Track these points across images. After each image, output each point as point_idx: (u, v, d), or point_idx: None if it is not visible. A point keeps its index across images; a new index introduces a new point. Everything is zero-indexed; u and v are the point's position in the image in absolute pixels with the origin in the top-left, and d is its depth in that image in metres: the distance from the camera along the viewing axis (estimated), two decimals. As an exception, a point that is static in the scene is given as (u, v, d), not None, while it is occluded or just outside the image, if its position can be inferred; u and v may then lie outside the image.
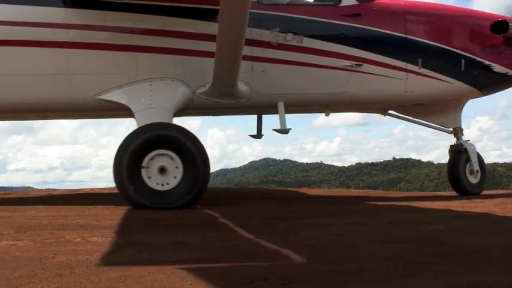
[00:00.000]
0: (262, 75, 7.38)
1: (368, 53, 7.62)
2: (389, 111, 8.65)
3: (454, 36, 7.99)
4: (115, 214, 6.00)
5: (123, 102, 7.22)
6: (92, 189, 10.30)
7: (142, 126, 6.68)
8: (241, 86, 7.24)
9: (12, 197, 8.90)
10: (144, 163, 6.45)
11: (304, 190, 11.73)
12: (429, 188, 55.05)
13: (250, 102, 7.53)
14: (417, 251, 3.69)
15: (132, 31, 7.21)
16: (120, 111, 7.55)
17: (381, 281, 2.86)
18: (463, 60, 7.87)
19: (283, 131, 7.20)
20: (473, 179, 8.54)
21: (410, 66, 7.73)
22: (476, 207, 6.69)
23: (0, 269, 3.19)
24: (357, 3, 7.71)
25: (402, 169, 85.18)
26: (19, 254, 3.67)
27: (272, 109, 7.56)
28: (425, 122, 8.68)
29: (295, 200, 9.01)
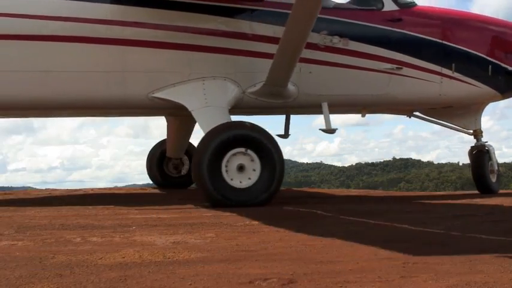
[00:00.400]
0: (309, 76, 7.62)
1: (408, 56, 7.95)
2: (415, 113, 8.99)
3: (483, 42, 8.37)
4: (115, 214, 5.99)
5: (177, 100, 7.30)
6: (92, 189, 10.29)
7: (220, 126, 6.71)
8: (290, 87, 7.46)
9: (12, 197, 8.89)
10: (224, 162, 6.52)
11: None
12: (429, 188, 55.01)
13: (296, 103, 7.76)
14: (417, 251, 3.69)
15: (186, 30, 7.30)
16: (173, 109, 7.67)
17: (381, 281, 2.86)
18: (490, 66, 8.29)
19: (329, 130, 7.44)
20: (493, 178, 8.94)
21: (444, 70, 8.10)
22: (476, 207, 6.69)
23: (0, 269, 3.19)
24: (398, 8, 8.01)
25: (402, 169, 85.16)
26: (19, 254, 3.67)
27: (316, 109, 7.82)
28: (448, 124, 9.05)
29: (295, 200, 9.00)
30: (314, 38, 7.48)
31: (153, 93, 7.30)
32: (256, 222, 5.30)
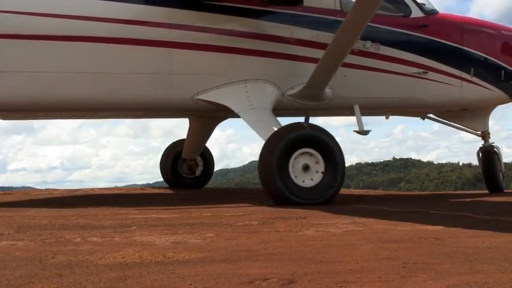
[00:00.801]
0: (343, 79, 7.92)
1: (433, 61, 8.44)
2: (429, 115, 9.52)
3: (496, 48, 8.93)
4: (115, 214, 6.00)
5: (221, 102, 7.54)
6: (92, 189, 10.30)
7: (285, 128, 6.97)
8: (326, 90, 7.83)
9: (12, 197, 8.89)
10: (291, 161, 6.74)
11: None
12: (429, 188, 54.98)
13: (331, 105, 8.11)
14: (417, 251, 3.69)
15: (231, 33, 7.58)
16: (216, 111, 7.98)
17: (381, 281, 2.86)
18: (503, 71, 8.88)
19: (362, 132, 7.72)
20: (500, 177, 9.50)
21: (464, 75, 8.63)
22: (476, 207, 6.70)
23: (0, 269, 3.19)
24: (423, 15, 8.50)
25: (402, 169, 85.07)
26: (19, 254, 3.67)
27: (346, 111, 8.32)
28: (459, 126, 9.58)
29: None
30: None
31: (197, 95, 7.52)
32: (256, 222, 5.30)
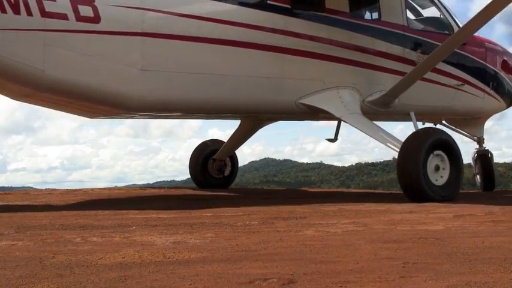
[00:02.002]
0: None
1: (467, 75, 9.69)
2: (443, 122, 10.48)
3: (504, 65, 10.40)
4: (115, 214, 6.00)
5: (321, 107, 8.16)
6: (92, 189, 10.30)
7: (424, 131, 7.89)
8: None
9: (12, 197, 8.89)
10: (428, 162, 7.45)
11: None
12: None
13: (394, 111, 8.89)
14: (417, 251, 3.69)
15: (330, 42, 8.25)
16: (312, 114, 8.55)
17: (381, 281, 2.86)
18: (506, 84, 10.42)
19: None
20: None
21: (486, 88, 9.98)
22: (476, 207, 6.69)
23: (0, 269, 3.19)
24: None
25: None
26: (19, 254, 3.67)
27: (404, 117, 9.13)
28: (459, 131, 10.65)
29: (295, 199, 9.00)
30: (413, 55, 8.94)
31: (300, 100, 8.06)
32: (256, 222, 5.30)
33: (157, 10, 7.05)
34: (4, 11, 6.02)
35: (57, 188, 10.83)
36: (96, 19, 6.62)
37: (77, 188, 10.72)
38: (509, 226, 5.01)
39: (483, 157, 10.71)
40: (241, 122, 10.03)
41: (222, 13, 7.47)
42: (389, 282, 2.83)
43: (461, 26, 9.22)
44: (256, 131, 10.30)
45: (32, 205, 7.17)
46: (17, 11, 6.13)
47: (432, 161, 7.49)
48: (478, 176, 10.86)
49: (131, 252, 3.66)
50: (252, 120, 9.82)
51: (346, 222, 5.26)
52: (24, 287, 2.80)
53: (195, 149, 10.73)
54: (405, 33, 8.92)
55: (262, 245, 3.97)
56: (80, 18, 6.52)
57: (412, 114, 8.52)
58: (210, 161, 10.50)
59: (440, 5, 9.66)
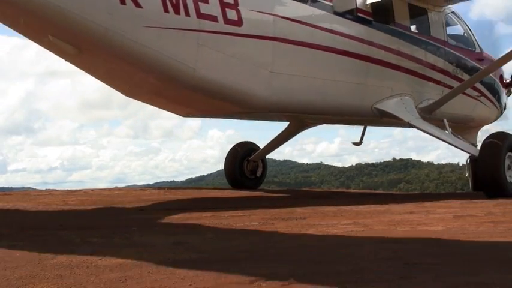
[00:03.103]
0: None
1: (484, 88, 10.98)
2: None
3: (501, 78, 11.84)
4: (115, 214, 6.00)
5: (391, 112, 8.93)
6: (92, 190, 10.29)
7: (501, 135, 8.87)
8: None
9: (12, 197, 8.88)
10: (506, 161, 8.50)
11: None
12: (429, 189, 54.95)
13: (433, 118, 9.56)
14: (417, 252, 3.69)
15: (398, 53, 9.11)
16: (378, 118, 9.13)
17: (381, 281, 2.86)
18: (502, 95, 11.91)
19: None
20: None
21: (493, 99, 11.43)
22: (476, 208, 6.69)
23: (1, 269, 3.19)
24: (480, 51, 11.19)
25: (402, 170, 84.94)
26: (19, 255, 3.67)
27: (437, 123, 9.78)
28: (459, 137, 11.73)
29: (295, 200, 9.00)
30: (449, 68, 10.12)
31: (375, 105, 8.81)
32: (256, 223, 5.30)
33: (286, 17, 7.60)
34: (167, 11, 6.36)
35: (57, 189, 10.82)
36: (239, 22, 7.05)
37: (77, 188, 10.72)
38: (509, 227, 5.01)
39: (475, 162, 11.25)
40: (289, 125, 10.35)
41: (330, 24, 8.16)
42: (390, 283, 2.82)
43: (478, 44, 11.09)
44: (297, 134, 10.79)
45: (32, 206, 7.16)
46: (177, 11, 6.45)
47: (506, 161, 8.54)
48: (469, 178, 11.55)
49: (131, 253, 3.66)
50: (299, 123, 10.26)
51: (346, 223, 5.26)
52: (24, 288, 2.80)
53: (231, 150, 11.06)
54: (446, 48, 10.11)
55: (262, 246, 3.98)
56: (227, 21, 6.92)
57: (445, 121, 9.44)
58: (244, 162, 10.83)
59: (465, 25, 11.08)
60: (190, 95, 7.14)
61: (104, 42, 6.12)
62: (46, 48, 6.66)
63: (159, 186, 11.41)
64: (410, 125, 9.16)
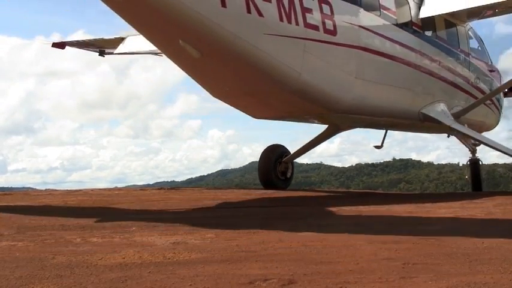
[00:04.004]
0: None
1: (494, 97, 12.42)
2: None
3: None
4: (115, 215, 5.99)
5: (434, 116, 9.70)
6: (92, 190, 10.29)
7: None
8: None
9: (12, 197, 8.88)
10: None
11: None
12: (429, 189, 54.97)
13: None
14: (417, 252, 3.69)
15: (439, 63, 10.10)
16: (422, 123, 9.86)
17: (381, 282, 2.86)
18: (501, 101, 13.43)
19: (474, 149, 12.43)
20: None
21: (499, 107, 12.99)
22: (476, 208, 6.69)
23: (1, 269, 3.19)
24: (491, 63, 12.72)
25: (402, 170, 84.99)
26: (19, 255, 3.67)
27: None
28: (464, 143, 13.04)
29: (295, 200, 9.00)
30: (472, 78, 11.26)
31: (421, 110, 9.61)
32: (257, 223, 5.29)
33: (366, 28, 8.34)
34: (282, 20, 7.00)
35: (57, 189, 10.82)
36: (334, 32, 7.75)
37: (77, 188, 10.73)
38: (509, 227, 5.01)
39: (474, 164, 13.42)
40: (327, 128, 10.81)
41: (395, 34, 8.96)
42: (390, 283, 2.83)
43: (489, 56, 12.66)
44: (330, 138, 11.32)
45: (32, 206, 7.16)
46: (289, 21, 7.09)
47: None
48: (469, 179, 13.51)
49: (131, 253, 3.66)
50: (335, 126, 10.70)
51: (347, 223, 5.25)
52: (24, 288, 2.80)
53: (265, 152, 11.39)
54: (469, 59, 11.27)
55: (262, 246, 3.97)
56: (326, 30, 7.62)
57: (466, 126, 10.44)
58: (277, 164, 11.22)
59: (479, 39, 12.26)
60: (289, 97, 7.69)
61: (230, 47, 6.66)
62: (168, 54, 7.26)
63: (159, 186, 11.39)
64: (451, 129, 10.11)
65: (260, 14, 6.68)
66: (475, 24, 12.07)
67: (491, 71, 12.39)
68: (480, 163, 13.38)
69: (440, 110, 9.89)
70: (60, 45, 12.75)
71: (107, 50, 13.06)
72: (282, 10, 6.92)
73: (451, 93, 10.46)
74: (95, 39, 12.85)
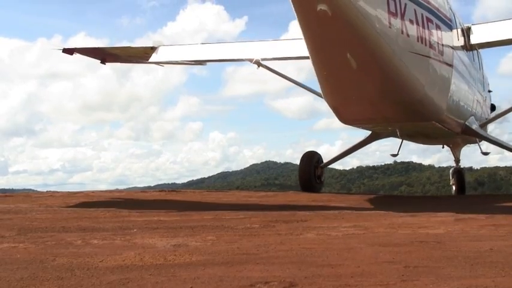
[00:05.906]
0: None
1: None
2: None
3: None
4: (116, 217, 6.00)
5: (473, 128, 10.89)
6: (93, 192, 10.30)
7: None
8: None
9: (13, 199, 8.89)
10: None
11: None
12: (430, 192, 54.90)
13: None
14: (418, 255, 3.69)
15: (473, 79, 11.55)
16: (460, 135, 11.06)
17: (382, 285, 2.85)
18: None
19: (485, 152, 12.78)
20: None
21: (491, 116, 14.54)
22: (477, 211, 6.68)
23: (1, 271, 3.19)
24: (486, 77, 14.22)
25: (403, 172, 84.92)
26: (20, 257, 3.67)
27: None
28: (454, 153, 15.33)
29: (296, 202, 9.00)
30: (484, 93, 13.02)
31: (466, 121, 10.78)
32: (257, 225, 5.30)
33: (454, 48, 9.52)
34: (419, 41, 8.08)
35: (58, 191, 10.84)
36: (442, 52, 8.91)
37: (78, 190, 10.75)
38: (510, 230, 5.00)
39: (458, 173, 15.67)
40: (369, 135, 11.44)
41: (462, 54, 10.14)
42: (390, 286, 2.82)
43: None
44: (368, 144, 11.99)
45: (33, 207, 7.17)
46: (422, 41, 8.20)
47: None
48: (453, 186, 15.55)
49: (132, 255, 3.66)
50: (376, 134, 11.37)
51: (347, 226, 5.25)
52: (25, 290, 2.80)
53: (304, 157, 12.20)
54: (482, 76, 12.94)
55: (263, 248, 3.97)
56: (438, 50, 8.81)
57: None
58: (315, 169, 12.04)
59: (481, 58, 13.28)
60: (408, 106, 8.56)
61: (385, 58, 7.53)
62: (324, 63, 7.87)
63: (160, 189, 11.40)
64: (486, 139, 11.51)
65: (407, 35, 7.74)
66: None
67: (487, 84, 14.15)
68: (463, 172, 15.88)
69: (475, 122, 11.25)
70: (69, 51, 12.55)
71: (134, 60, 13.08)
72: (417, 32, 7.96)
73: (478, 106, 12.01)
74: (116, 48, 12.63)
